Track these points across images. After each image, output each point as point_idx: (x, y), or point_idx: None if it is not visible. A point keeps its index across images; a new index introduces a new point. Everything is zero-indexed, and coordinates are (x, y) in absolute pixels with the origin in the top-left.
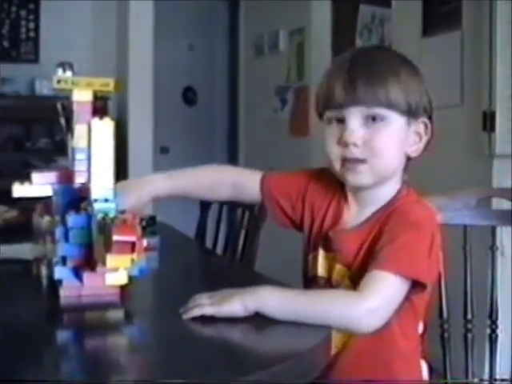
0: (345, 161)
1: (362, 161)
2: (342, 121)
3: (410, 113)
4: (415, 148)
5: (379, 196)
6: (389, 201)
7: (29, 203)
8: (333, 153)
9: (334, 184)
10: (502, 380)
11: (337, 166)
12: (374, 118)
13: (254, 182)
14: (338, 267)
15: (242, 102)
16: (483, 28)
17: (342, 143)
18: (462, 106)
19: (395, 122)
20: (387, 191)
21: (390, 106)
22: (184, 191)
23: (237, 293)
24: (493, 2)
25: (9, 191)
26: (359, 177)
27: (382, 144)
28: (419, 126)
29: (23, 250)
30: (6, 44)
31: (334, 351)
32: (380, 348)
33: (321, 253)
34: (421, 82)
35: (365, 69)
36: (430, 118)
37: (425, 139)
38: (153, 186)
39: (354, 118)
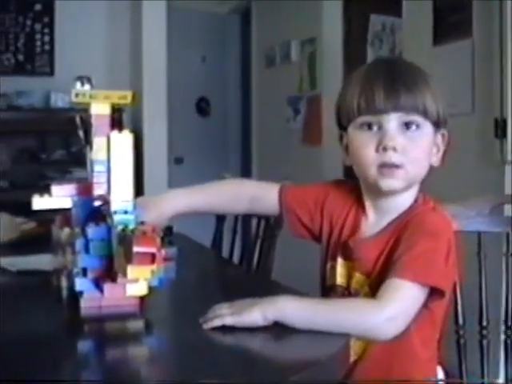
0: (382, 166)
1: (399, 166)
2: (375, 127)
3: (437, 123)
4: (435, 159)
5: (398, 204)
6: (406, 209)
7: (46, 215)
8: (369, 158)
9: (351, 194)
10: None
11: (372, 171)
12: (408, 126)
13: (272, 195)
14: (357, 276)
15: (255, 112)
16: (493, 36)
17: (381, 148)
18: (474, 113)
19: (428, 130)
20: (405, 199)
21: (426, 114)
22: (204, 207)
23: (256, 302)
24: (503, 11)
25: (26, 203)
26: (393, 182)
27: (420, 151)
28: (438, 137)
29: (42, 262)
30: (21, 57)
31: (353, 358)
32: (398, 355)
33: (339, 262)
34: (443, 94)
35: (404, 76)
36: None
37: (442, 150)
38: (174, 202)
39: (393, 124)
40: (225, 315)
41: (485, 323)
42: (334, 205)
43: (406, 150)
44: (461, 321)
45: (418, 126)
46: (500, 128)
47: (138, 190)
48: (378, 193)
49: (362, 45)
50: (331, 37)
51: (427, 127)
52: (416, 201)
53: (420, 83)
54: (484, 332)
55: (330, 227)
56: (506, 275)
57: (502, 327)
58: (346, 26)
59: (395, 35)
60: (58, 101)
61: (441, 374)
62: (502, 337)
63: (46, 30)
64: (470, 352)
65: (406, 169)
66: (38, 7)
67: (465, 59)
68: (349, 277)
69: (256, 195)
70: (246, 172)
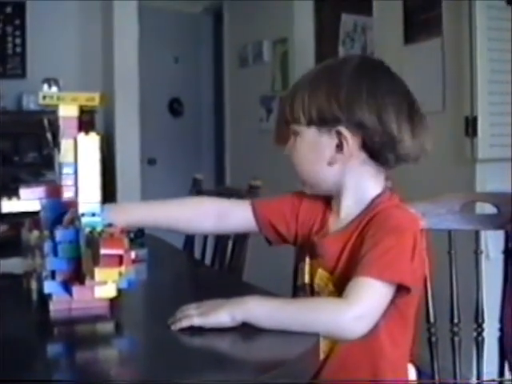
0: None
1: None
2: None
3: (316, 123)
4: (340, 156)
5: (346, 204)
6: (369, 204)
7: (17, 218)
8: None
9: (321, 196)
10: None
11: None
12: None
13: (243, 210)
14: (320, 271)
15: (228, 113)
16: (463, 34)
17: None
18: (444, 111)
19: (305, 134)
20: (354, 199)
21: (294, 120)
22: (164, 222)
23: (224, 303)
24: (472, 10)
25: None
26: (303, 188)
27: (300, 157)
28: (332, 135)
29: (13, 265)
30: None
31: (321, 357)
32: (366, 354)
33: (307, 260)
34: (343, 91)
35: (292, 88)
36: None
37: (348, 148)
38: (124, 215)
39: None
40: (193, 316)
41: (456, 320)
42: (308, 209)
43: (291, 158)
44: (432, 319)
45: (298, 134)
46: (471, 126)
47: (112, 191)
48: None
49: (333, 44)
50: (303, 37)
51: (303, 131)
52: (379, 196)
53: (298, 89)
54: (455, 329)
55: (305, 230)
56: (476, 273)
57: (474, 324)
58: (318, 25)
59: (366, 34)
60: (30, 103)
61: (412, 372)
62: (474, 334)
63: (18, 33)
64: (443, 350)
65: (298, 174)
66: (8, 9)
67: (435, 58)
68: (313, 274)
69: (224, 211)
70: (219, 173)
